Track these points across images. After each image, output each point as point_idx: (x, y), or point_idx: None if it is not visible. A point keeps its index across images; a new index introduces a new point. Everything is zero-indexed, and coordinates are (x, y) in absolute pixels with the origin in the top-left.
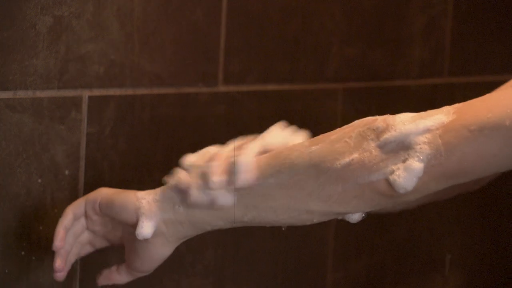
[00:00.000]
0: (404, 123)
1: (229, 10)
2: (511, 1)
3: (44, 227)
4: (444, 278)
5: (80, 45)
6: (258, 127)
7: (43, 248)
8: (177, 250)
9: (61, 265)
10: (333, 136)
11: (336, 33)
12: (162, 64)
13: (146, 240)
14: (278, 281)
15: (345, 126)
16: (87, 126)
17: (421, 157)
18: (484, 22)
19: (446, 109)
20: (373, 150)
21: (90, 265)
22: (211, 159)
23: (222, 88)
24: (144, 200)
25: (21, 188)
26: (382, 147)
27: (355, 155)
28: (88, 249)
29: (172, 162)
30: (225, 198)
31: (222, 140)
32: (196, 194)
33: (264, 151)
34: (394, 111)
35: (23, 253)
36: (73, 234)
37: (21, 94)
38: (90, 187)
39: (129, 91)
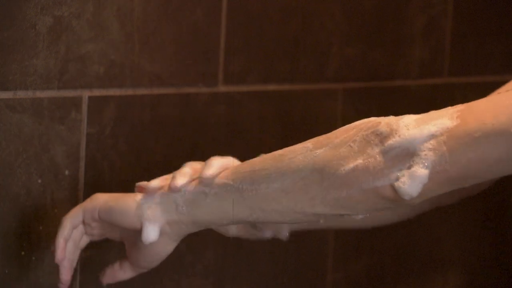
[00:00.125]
0: (408, 128)
1: (229, 10)
2: (511, 1)
3: (44, 227)
4: (444, 278)
5: (80, 45)
6: (258, 127)
7: (43, 248)
8: (177, 250)
9: (68, 277)
10: (337, 139)
11: (336, 33)
12: (162, 64)
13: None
14: (278, 281)
15: (348, 127)
16: (87, 126)
17: (426, 164)
18: (484, 22)
19: (450, 112)
20: (377, 156)
21: (90, 265)
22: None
23: (222, 88)
24: (145, 205)
25: (21, 188)
26: (386, 152)
27: (359, 161)
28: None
29: (172, 162)
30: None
31: (222, 140)
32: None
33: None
34: (394, 111)
35: (23, 253)
36: (73, 242)
37: (21, 94)
38: (90, 187)
39: (129, 91)
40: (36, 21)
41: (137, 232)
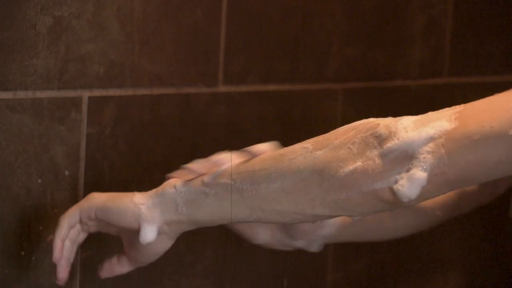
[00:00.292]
0: (407, 130)
1: (229, 10)
2: (511, 1)
3: (44, 227)
4: (444, 278)
5: (80, 45)
6: (258, 127)
7: (43, 248)
8: (177, 250)
9: (65, 275)
10: (336, 141)
11: (336, 33)
12: (162, 64)
13: None
14: (278, 281)
15: (347, 128)
16: (87, 127)
17: (425, 167)
18: (484, 22)
19: (448, 113)
20: (376, 159)
21: (90, 265)
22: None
23: (222, 88)
24: (143, 206)
25: (21, 188)
26: (385, 155)
27: (359, 163)
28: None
29: (172, 162)
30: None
31: (222, 140)
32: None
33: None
34: (394, 111)
35: (23, 253)
36: (70, 241)
37: (21, 94)
38: (90, 187)
39: (129, 91)
40: (36, 21)
41: (135, 231)
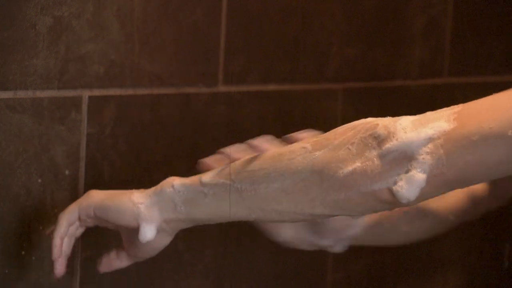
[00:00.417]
0: (405, 130)
1: (229, 10)
2: (511, 1)
3: (44, 227)
4: (444, 278)
5: (80, 45)
6: (258, 127)
7: (43, 248)
8: (176, 250)
9: (63, 271)
10: (336, 141)
11: (336, 33)
12: (162, 64)
13: None
14: (278, 281)
15: (346, 128)
16: (87, 126)
17: (424, 168)
18: (484, 22)
19: (446, 113)
20: (375, 159)
21: (90, 265)
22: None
23: (222, 88)
24: (142, 205)
25: (21, 188)
26: (384, 156)
27: (358, 164)
28: None
29: (172, 162)
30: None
31: (222, 140)
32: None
33: None
34: (394, 111)
35: (23, 253)
36: (68, 238)
37: (21, 94)
38: (90, 187)
39: (129, 91)
40: (36, 21)
41: (134, 229)
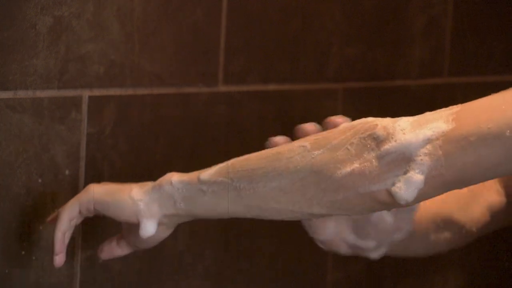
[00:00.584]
0: (404, 132)
1: (229, 10)
2: (511, 1)
3: (44, 227)
4: (444, 278)
5: (80, 45)
6: (258, 127)
7: (43, 248)
8: (177, 250)
9: (63, 262)
10: (335, 141)
11: (336, 33)
12: (162, 64)
13: None
14: (278, 281)
15: (345, 127)
16: (87, 126)
17: (422, 169)
18: (484, 22)
19: (445, 114)
20: (373, 160)
21: (90, 265)
22: None
23: (222, 88)
24: (141, 202)
25: (21, 188)
26: (382, 157)
27: (356, 165)
28: None
29: (172, 162)
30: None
31: (222, 140)
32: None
33: None
34: (394, 111)
35: (23, 253)
36: (69, 231)
37: (21, 94)
38: None
39: (129, 91)
40: (36, 21)
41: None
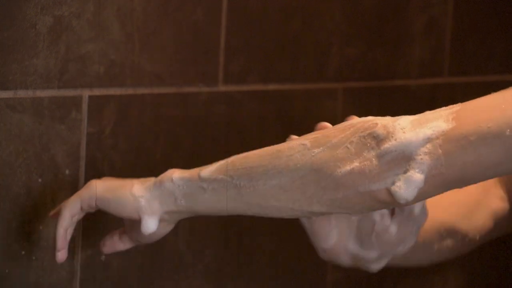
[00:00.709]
0: (404, 130)
1: (229, 10)
2: (511, 1)
3: (44, 227)
4: (444, 278)
5: (80, 45)
6: (258, 127)
7: (43, 248)
8: (177, 250)
9: (65, 257)
10: (335, 139)
11: (336, 33)
12: (162, 64)
13: None
14: (278, 281)
15: (345, 126)
16: (87, 126)
17: (422, 168)
18: (484, 22)
19: (445, 113)
20: (373, 159)
21: (90, 265)
22: None
23: (222, 88)
24: (142, 199)
25: (21, 188)
26: (382, 156)
27: (356, 164)
28: None
29: (172, 162)
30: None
31: (222, 140)
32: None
33: None
34: (394, 111)
35: (23, 253)
36: (71, 227)
37: (21, 93)
38: None
39: (129, 91)
40: (36, 21)
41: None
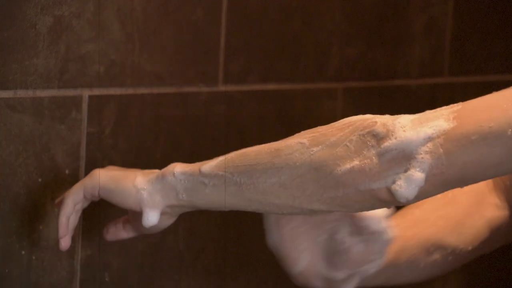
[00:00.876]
0: (405, 129)
1: (229, 10)
2: (511, 1)
3: (44, 227)
4: (444, 278)
5: (80, 44)
6: (258, 127)
7: (43, 248)
8: (177, 249)
9: (68, 245)
10: (333, 138)
11: (336, 33)
12: (162, 64)
13: None
14: (278, 281)
15: (343, 124)
16: (87, 126)
17: (423, 167)
18: (484, 22)
19: (446, 112)
20: (373, 158)
21: (90, 265)
22: None
23: (222, 88)
24: (145, 192)
25: (21, 188)
26: (382, 155)
27: (356, 162)
28: None
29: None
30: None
31: (222, 140)
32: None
33: None
34: (394, 111)
35: (23, 252)
36: (74, 213)
37: (21, 93)
38: None
39: (129, 91)
40: (36, 21)
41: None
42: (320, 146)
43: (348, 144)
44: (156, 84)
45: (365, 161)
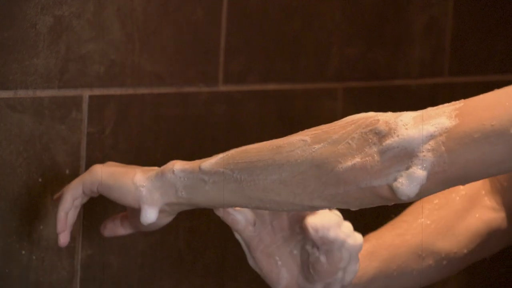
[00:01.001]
0: (407, 127)
1: (229, 10)
2: (511, 1)
3: (45, 227)
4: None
5: (80, 44)
6: (258, 127)
7: (43, 248)
8: (177, 249)
9: (67, 240)
10: (335, 135)
11: (336, 33)
12: (162, 64)
13: None
14: None
15: (346, 122)
16: (88, 126)
17: (425, 165)
18: (485, 22)
19: (448, 110)
20: (375, 155)
21: (90, 265)
22: None
23: (222, 88)
24: (144, 189)
25: (21, 188)
26: (384, 152)
27: (357, 159)
28: None
29: None
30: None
31: (222, 140)
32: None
33: None
34: (394, 111)
35: (23, 252)
36: (73, 209)
37: (21, 93)
38: None
39: (130, 91)
40: (37, 21)
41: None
42: (322, 144)
43: (350, 141)
44: (156, 84)
45: (367, 158)
